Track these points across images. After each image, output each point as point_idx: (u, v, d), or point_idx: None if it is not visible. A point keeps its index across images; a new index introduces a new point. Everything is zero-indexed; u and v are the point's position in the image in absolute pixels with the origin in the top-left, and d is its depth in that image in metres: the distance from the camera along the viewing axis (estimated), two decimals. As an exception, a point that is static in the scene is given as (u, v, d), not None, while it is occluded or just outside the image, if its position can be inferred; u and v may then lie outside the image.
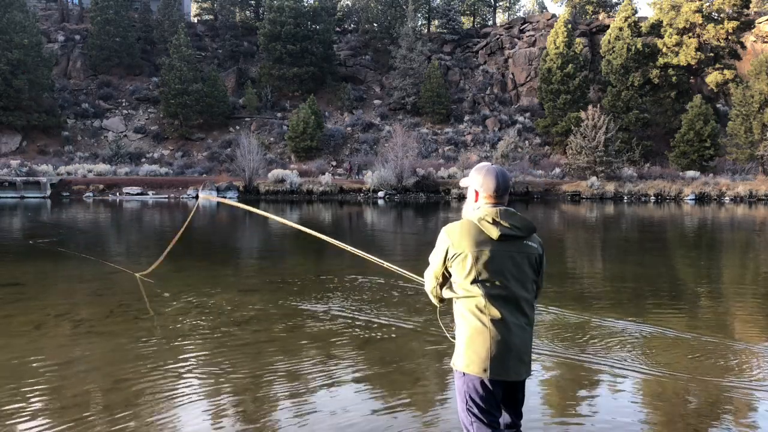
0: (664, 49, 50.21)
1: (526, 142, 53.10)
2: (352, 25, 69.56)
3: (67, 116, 52.16)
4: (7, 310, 7.57)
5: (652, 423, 4.37)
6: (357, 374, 5.30)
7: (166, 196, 38.09)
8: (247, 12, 70.32)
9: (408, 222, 24.36)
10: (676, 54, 49.74)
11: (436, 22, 69.91)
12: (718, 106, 52.76)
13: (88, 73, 58.30)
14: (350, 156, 50.20)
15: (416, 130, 52.29)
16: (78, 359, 5.68)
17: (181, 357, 5.72)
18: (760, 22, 56.66)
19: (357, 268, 10.74)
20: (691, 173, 44.10)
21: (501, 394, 2.90)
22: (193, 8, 72.64)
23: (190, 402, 4.65)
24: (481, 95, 59.42)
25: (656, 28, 51.81)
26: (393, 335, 6.49)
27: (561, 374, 5.38)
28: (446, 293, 3.00)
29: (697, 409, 4.63)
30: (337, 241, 4.90)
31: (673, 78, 49.86)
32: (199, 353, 5.87)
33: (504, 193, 2.95)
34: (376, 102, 59.45)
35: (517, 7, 78.56)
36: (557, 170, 45.85)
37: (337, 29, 65.50)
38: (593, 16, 64.97)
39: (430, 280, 3.07)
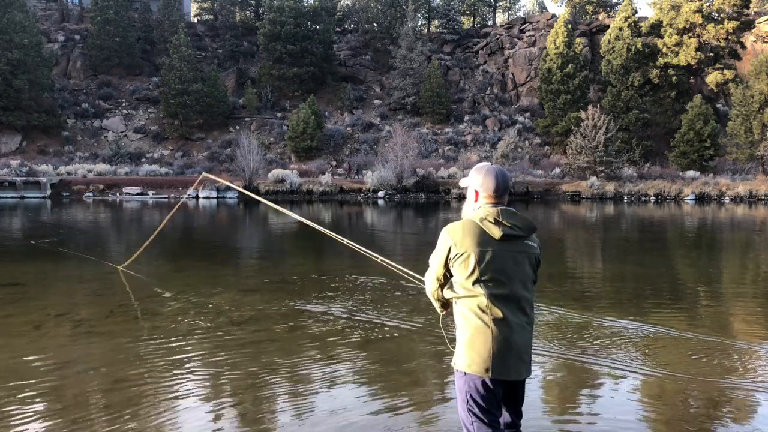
0: (664, 49, 50.21)
1: (526, 142, 53.09)
2: (352, 25, 69.56)
3: (67, 116, 52.16)
4: (7, 310, 7.57)
5: (652, 423, 4.37)
6: (357, 374, 5.30)
7: (166, 196, 38.08)
8: (247, 12, 70.31)
9: (408, 222, 24.36)
10: (676, 54, 49.73)
11: (436, 22, 69.91)
12: (718, 106, 52.75)
13: (88, 73, 58.30)
14: (350, 156, 50.20)
15: (416, 130, 52.29)
16: (78, 359, 5.68)
17: (181, 357, 5.72)
18: (760, 22, 56.66)
19: (357, 268, 10.74)
20: (691, 173, 44.09)
21: (501, 394, 2.90)
22: (193, 8, 72.64)
23: (190, 402, 4.65)
24: (481, 95, 59.42)
25: (656, 28, 51.81)
26: (393, 335, 6.49)
27: (561, 374, 5.38)
28: (447, 293, 3.00)
29: (697, 410, 4.63)
30: (367, 250, 4.90)
31: (673, 78, 49.86)
32: (199, 353, 5.87)
33: (504, 192, 2.96)
34: (376, 102, 59.45)
35: (517, 7, 78.66)
36: (557, 170, 45.85)
37: (337, 29, 65.49)
38: (593, 16, 64.98)
39: (431, 282, 3.06)
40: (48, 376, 5.21)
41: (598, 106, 46.47)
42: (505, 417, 3.00)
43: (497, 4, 74.90)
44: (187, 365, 5.51)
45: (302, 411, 4.46)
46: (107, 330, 6.69)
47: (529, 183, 41.63)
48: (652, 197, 40.45)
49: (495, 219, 2.85)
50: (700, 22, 49.54)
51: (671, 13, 50.51)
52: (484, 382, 2.82)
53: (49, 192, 37.88)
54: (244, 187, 38.99)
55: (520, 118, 56.23)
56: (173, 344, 6.11)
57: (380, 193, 39.49)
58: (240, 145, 41.97)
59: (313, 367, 5.45)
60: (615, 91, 50.27)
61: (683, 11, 49.67)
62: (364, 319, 7.13)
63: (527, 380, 3.01)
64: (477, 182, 2.98)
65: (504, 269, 2.84)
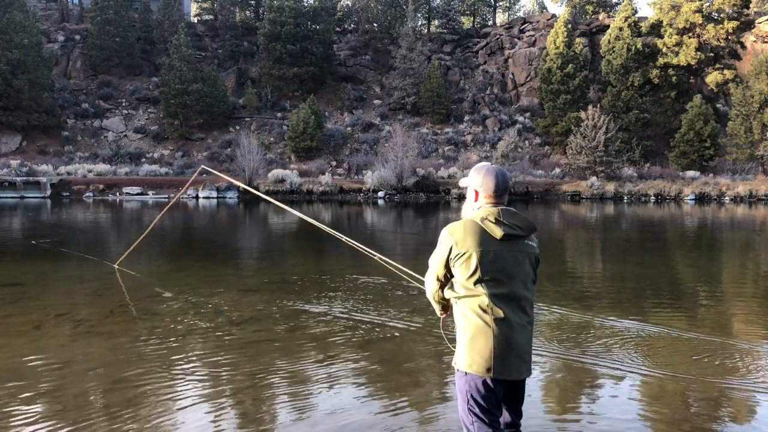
0: (664, 49, 50.20)
1: (526, 142, 53.08)
2: (352, 25, 69.55)
3: (67, 116, 52.14)
4: (7, 310, 7.57)
5: (653, 424, 4.37)
6: (357, 374, 5.29)
7: (166, 196, 38.07)
8: (247, 12, 70.30)
9: (408, 222, 24.36)
10: (676, 54, 49.73)
11: (436, 22, 69.90)
12: (718, 106, 52.74)
13: (88, 73, 58.29)
14: (350, 156, 50.20)
15: (416, 130, 52.28)
16: (78, 359, 5.67)
17: (181, 357, 5.72)
18: (760, 22, 56.65)
19: (358, 267, 10.74)
20: (691, 173, 44.09)
21: (502, 393, 2.90)
22: (193, 8, 72.63)
23: (190, 402, 4.65)
24: (481, 95, 59.42)
25: (656, 28, 51.80)
26: (393, 335, 6.49)
27: (561, 374, 5.37)
28: (447, 293, 2.99)
29: (698, 410, 4.63)
30: (371, 251, 4.89)
31: (673, 78, 49.85)
32: (199, 353, 5.87)
33: (504, 192, 2.96)
34: (376, 102, 59.45)
35: (517, 7, 78.62)
36: (557, 170, 45.84)
37: (337, 29, 65.48)
38: (593, 16, 64.97)
39: (432, 283, 3.05)
40: (48, 376, 5.20)
41: (598, 106, 46.46)
42: (505, 417, 3.00)
43: (497, 4, 74.89)
44: (187, 365, 5.50)
45: (302, 411, 4.46)
46: (107, 330, 6.69)
47: (529, 183, 41.62)
48: (652, 197, 40.45)
49: (496, 219, 2.85)
50: (700, 22, 49.54)
51: (671, 13, 50.51)
52: (485, 382, 2.82)
53: (49, 192, 37.88)
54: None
55: (520, 118, 56.22)
56: (173, 344, 6.11)
57: (380, 193, 39.49)
58: (240, 145, 41.94)
59: (313, 367, 5.44)
60: (615, 91, 50.27)
61: (683, 11, 49.67)
62: (364, 319, 7.13)
63: (527, 380, 3.01)
64: (477, 182, 2.98)
65: (505, 269, 2.85)
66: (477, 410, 2.84)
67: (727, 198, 39.95)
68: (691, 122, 45.33)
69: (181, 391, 4.88)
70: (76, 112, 53.56)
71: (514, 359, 2.83)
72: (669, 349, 6.09)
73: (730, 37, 49.88)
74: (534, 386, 4.90)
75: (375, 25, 63.58)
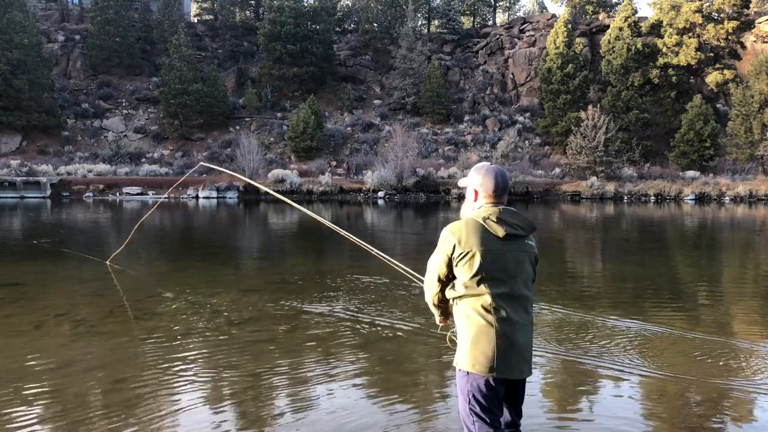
0: (664, 49, 50.19)
1: (526, 142, 53.07)
2: (352, 25, 69.54)
3: (67, 116, 52.13)
4: (7, 310, 7.57)
5: (653, 424, 4.36)
6: (357, 374, 5.29)
7: (166, 196, 38.06)
8: (247, 12, 70.29)
9: (408, 222, 24.36)
10: (676, 54, 49.72)
11: (436, 22, 69.89)
12: (718, 106, 52.73)
13: (88, 73, 58.29)
14: (350, 156, 50.19)
15: (416, 130, 52.27)
16: (78, 359, 5.67)
17: (181, 357, 5.71)
18: (760, 22, 56.64)
19: (358, 267, 10.74)
20: (691, 173, 44.08)
21: (503, 393, 2.90)
22: (193, 8, 72.62)
23: (190, 402, 4.64)
24: (481, 95, 59.41)
25: (656, 28, 51.79)
26: (393, 335, 6.49)
27: (562, 374, 5.37)
28: (449, 293, 2.98)
29: (699, 411, 4.62)
30: (375, 249, 4.90)
31: (673, 78, 49.84)
32: (199, 353, 5.86)
33: (503, 192, 2.96)
34: (376, 102, 59.44)
35: (517, 7, 78.59)
36: (557, 170, 45.83)
37: (337, 29, 65.46)
38: (593, 16, 64.95)
39: (432, 284, 3.02)
40: (48, 376, 5.20)
41: (598, 106, 46.45)
42: (505, 416, 3.00)
43: (497, 4, 74.88)
44: (186, 365, 5.50)
45: (302, 411, 4.46)
46: (107, 330, 6.69)
47: (529, 183, 41.61)
48: (652, 197, 40.44)
49: (498, 218, 2.85)
50: (700, 22, 49.53)
51: (671, 13, 50.50)
52: (487, 382, 2.82)
53: (49, 192, 37.87)
54: (245, 188, 39.02)
55: (520, 118, 56.22)
56: (173, 344, 6.10)
57: (380, 193, 39.48)
58: (240, 145, 41.92)
59: (313, 367, 5.44)
60: (615, 91, 50.26)
61: (683, 11, 49.66)
62: (364, 319, 7.13)
63: (527, 379, 3.01)
64: (476, 182, 2.98)
65: (507, 268, 2.85)
66: (478, 410, 2.84)
67: (727, 198, 39.94)
68: (691, 122, 45.33)
69: (181, 391, 4.87)
70: (76, 112, 53.55)
71: (516, 358, 2.83)
72: (670, 349, 6.08)
73: (730, 37, 49.87)
74: (534, 386, 4.89)
75: (375, 25, 63.58)
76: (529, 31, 62.51)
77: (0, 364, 5.44)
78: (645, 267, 12.13)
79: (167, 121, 53.19)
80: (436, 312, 3.13)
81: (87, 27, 59.69)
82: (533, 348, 3.01)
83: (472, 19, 74.12)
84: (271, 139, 52.98)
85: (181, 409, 4.51)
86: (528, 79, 59.05)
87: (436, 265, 2.97)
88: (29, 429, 4.13)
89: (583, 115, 44.11)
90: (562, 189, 41.64)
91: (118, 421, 4.23)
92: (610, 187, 40.83)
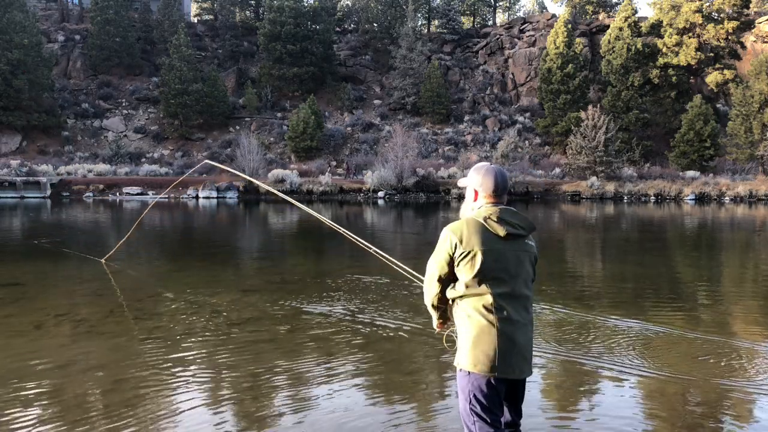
0: (664, 49, 50.19)
1: (526, 142, 53.06)
2: (352, 25, 69.52)
3: (67, 116, 52.11)
4: (7, 310, 7.56)
5: (653, 424, 4.36)
6: (357, 374, 5.29)
7: (166, 196, 38.07)
8: (247, 12, 70.28)
9: (408, 222, 24.35)
10: (676, 54, 49.71)
11: (436, 22, 69.88)
12: (718, 106, 52.72)
13: (88, 73, 58.27)
14: (350, 156, 50.19)
15: (416, 130, 52.26)
16: (78, 359, 5.67)
17: (180, 357, 5.71)
18: (760, 22, 56.63)
19: (358, 267, 10.74)
20: (691, 173, 44.07)
21: (504, 392, 2.90)
22: (193, 8, 72.61)
23: (191, 402, 4.64)
24: (481, 95, 59.40)
25: (656, 28, 51.79)
26: (393, 335, 6.48)
27: (562, 374, 5.37)
28: (450, 293, 2.97)
29: (699, 411, 4.62)
30: (379, 250, 4.90)
31: (673, 78, 49.83)
32: (199, 353, 5.86)
33: (503, 192, 2.96)
34: (376, 102, 59.43)
35: (517, 7, 78.56)
36: (557, 170, 45.82)
37: (337, 29, 65.45)
38: (593, 16, 64.95)
39: (432, 286, 3.00)
40: (48, 376, 5.20)
41: (598, 106, 46.44)
42: (505, 416, 3.00)
43: (497, 4, 74.87)
44: (187, 365, 5.50)
45: (302, 411, 4.46)
46: (107, 330, 6.69)
47: (529, 183, 41.60)
48: (652, 197, 40.44)
49: (498, 218, 2.86)
50: (700, 22, 49.52)
51: (671, 13, 50.50)
52: (488, 382, 2.82)
53: (49, 192, 37.85)
54: (245, 188, 39.00)
55: (520, 118, 56.20)
56: (173, 344, 6.10)
57: (380, 193, 39.47)
58: (240, 145, 41.89)
59: (313, 367, 5.44)
60: (615, 91, 50.25)
61: (683, 11, 49.65)
62: (364, 319, 7.12)
63: (527, 379, 3.01)
64: (476, 182, 2.98)
65: (507, 268, 2.85)
66: (479, 409, 2.84)
67: (727, 198, 39.94)
68: (691, 122, 45.32)
69: (181, 391, 4.87)
70: (76, 112, 53.54)
71: (517, 358, 2.83)
72: (670, 349, 6.08)
73: (730, 37, 49.86)
74: (534, 386, 4.89)
75: (375, 25, 63.57)
76: (529, 31, 62.50)
77: (0, 364, 5.44)
78: (645, 267, 12.12)
79: (167, 121, 53.19)
80: (434, 314, 3.11)
81: (87, 27, 59.68)
82: (533, 348, 3.01)
83: (472, 19, 74.11)
84: (271, 139, 52.98)
85: (181, 409, 4.51)
86: (528, 79, 59.04)
87: (436, 265, 2.95)
88: (29, 429, 4.13)
89: (583, 115, 44.10)
90: (562, 189, 41.64)
91: (118, 421, 4.23)
92: (610, 187, 40.82)
